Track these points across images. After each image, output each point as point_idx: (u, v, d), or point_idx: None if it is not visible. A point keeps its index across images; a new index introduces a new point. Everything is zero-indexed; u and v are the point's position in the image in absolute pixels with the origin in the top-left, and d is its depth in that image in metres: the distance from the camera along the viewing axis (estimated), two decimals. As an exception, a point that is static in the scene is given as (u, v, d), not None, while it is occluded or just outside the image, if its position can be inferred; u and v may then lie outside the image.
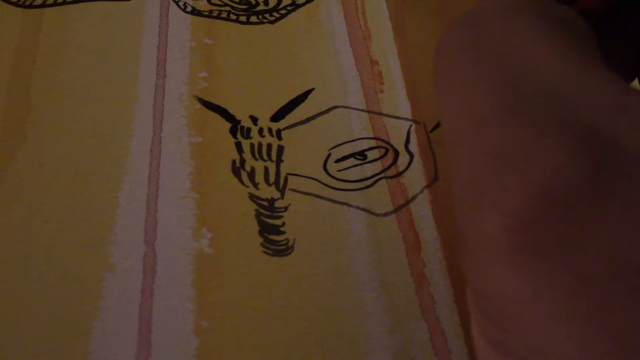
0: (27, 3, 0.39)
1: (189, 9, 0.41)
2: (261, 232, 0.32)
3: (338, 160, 0.35)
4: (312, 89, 0.38)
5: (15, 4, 0.39)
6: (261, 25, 0.41)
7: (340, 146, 0.36)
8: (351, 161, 0.35)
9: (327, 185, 0.34)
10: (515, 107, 0.17)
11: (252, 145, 0.35)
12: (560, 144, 0.16)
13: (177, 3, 0.41)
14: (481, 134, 0.17)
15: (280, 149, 0.35)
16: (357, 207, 0.34)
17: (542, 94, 0.17)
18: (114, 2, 0.40)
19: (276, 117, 0.36)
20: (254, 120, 0.36)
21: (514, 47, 0.19)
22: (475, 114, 0.18)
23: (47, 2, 0.39)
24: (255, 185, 0.34)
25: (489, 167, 0.17)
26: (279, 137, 0.36)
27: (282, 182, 0.34)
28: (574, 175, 0.16)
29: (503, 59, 0.19)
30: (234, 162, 0.34)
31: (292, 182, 0.34)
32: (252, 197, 0.33)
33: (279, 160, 0.35)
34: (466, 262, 0.18)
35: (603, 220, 0.15)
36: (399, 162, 0.36)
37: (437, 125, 0.36)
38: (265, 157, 0.35)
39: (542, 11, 0.20)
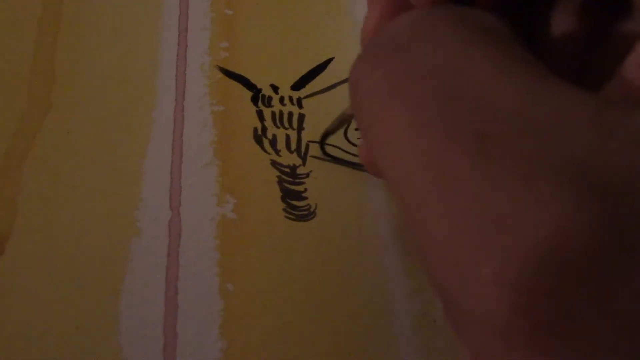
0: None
1: (208, -20, 0.41)
2: (283, 198, 0.33)
3: (358, 128, 0.36)
4: (332, 59, 0.38)
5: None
6: (280, -4, 0.41)
7: (361, 114, 0.36)
8: (371, 129, 0.35)
9: (348, 153, 0.34)
10: (487, 152, 0.14)
11: (273, 114, 0.36)
12: (555, 193, 0.13)
13: (197, -26, 0.41)
14: (452, 193, 0.14)
15: (301, 117, 0.36)
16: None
17: (515, 130, 0.14)
18: (135, -26, 0.41)
19: (297, 85, 0.37)
20: (275, 89, 0.36)
21: (457, 77, 0.15)
22: (436, 168, 0.14)
23: (69, -26, 0.40)
24: (277, 152, 0.34)
25: (474, 234, 0.13)
26: (300, 106, 0.36)
27: (303, 149, 0.34)
28: (584, 227, 0.12)
29: (450, 93, 0.15)
30: (255, 129, 0.35)
31: (314, 149, 0.34)
32: (274, 164, 0.34)
33: (300, 128, 0.35)
34: (464, 335, 0.15)
35: (637, 278, 0.12)
36: (419, 129, 0.36)
37: (323, 139, 0.34)
38: (286, 124, 0.35)
39: (466, 24, 0.17)
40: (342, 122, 0.32)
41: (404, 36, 0.17)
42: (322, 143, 0.34)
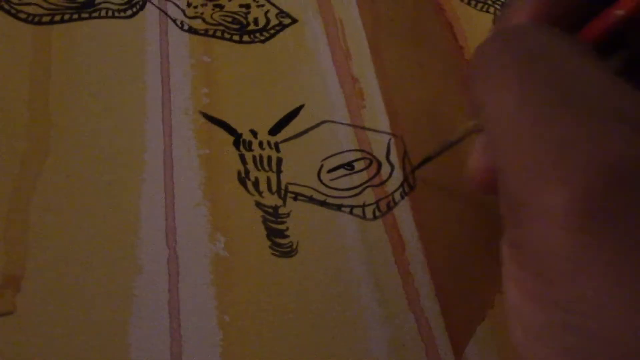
0: (36, 20, 0.42)
1: (186, 27, 0.44)
2: (268, 236, 0.37)
3: (330, 171, 0.40)
4: (303, 105, 0.42)
5: (25, 21, 0.41)
6: (253, 45, 0.45)
7: (331, 158, 0.40)
8: (341, 171, 0.40)
9: (321, 193, 0.39)
10: (574, 103, 0.20)
11: (254, 157, 0.39)
12: (620, 131, 0.19)
13: (174, 22, 0.44)
14: (544, 125, 0.20)
15: (279, 161, 0.39)
16: (349, 213, 0.38)
17: (595, 94, 0.20)
18: (116, 20, 0.43)
19: (273, 131, 0.41)
20: (254, 133, 0.40)
21: (558, 58, 0.22)
22: (533, 109, 0.20)
23: (55, 19, 0.42)
24: (260, 193, 0.38)
25: (555, 151, 0.19)
26: (277, 150, 0.40)
27: (283, 190, 0.38)
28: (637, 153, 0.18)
29: (553, 65, 0.22)
30: (239, 172, 0.38)
31: (292, 191, 0.38)
32: (258, 204, 0.38)
33: (278, 171, 0.39)
34: (516, 228, 0.21)
35: None
36: (382, 171, 0.41)
37: (423, 162, 0.39)
38: (266, 167, 0.39)
39: (573, 42, 0.24)
40: (444, 149, 0.37)
41: (530, 37, 0.24)
42: (418, 167, 0.40)
